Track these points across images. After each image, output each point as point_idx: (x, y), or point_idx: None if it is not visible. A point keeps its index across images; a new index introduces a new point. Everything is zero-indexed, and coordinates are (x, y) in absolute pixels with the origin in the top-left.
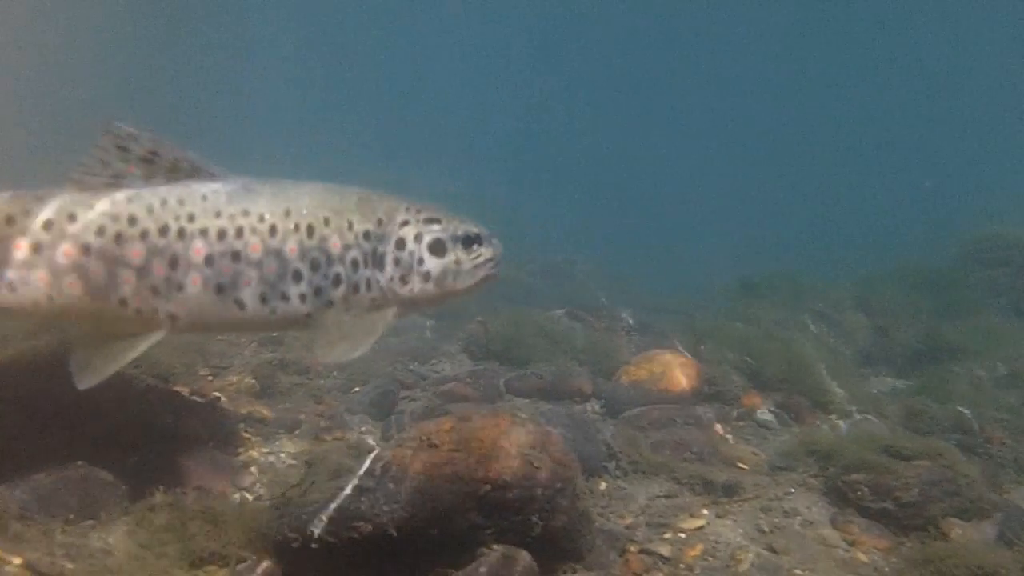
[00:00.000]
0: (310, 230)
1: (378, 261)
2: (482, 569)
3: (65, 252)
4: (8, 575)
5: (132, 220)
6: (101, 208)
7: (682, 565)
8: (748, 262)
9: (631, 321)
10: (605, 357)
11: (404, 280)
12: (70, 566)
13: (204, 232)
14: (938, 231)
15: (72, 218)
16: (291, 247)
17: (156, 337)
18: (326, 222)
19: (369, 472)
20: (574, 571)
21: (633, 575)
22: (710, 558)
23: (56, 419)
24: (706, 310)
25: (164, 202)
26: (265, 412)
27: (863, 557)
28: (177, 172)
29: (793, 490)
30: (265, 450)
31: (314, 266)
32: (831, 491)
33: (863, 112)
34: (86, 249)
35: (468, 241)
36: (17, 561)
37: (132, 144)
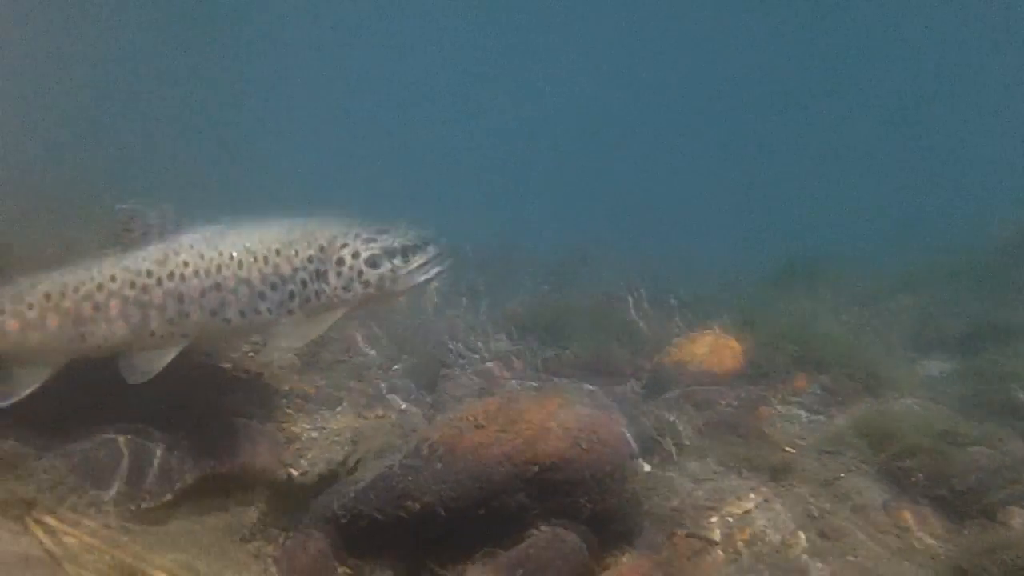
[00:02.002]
0: (266, 260)
1: (323, 277)
2: (530, 550)
3: (112, 307)
4: (66, 545)
5: (149, 274)
6: (131, 267)
7: (731, 549)
8: (788, 246)
9: (673, 302)
10: (647, 337)
11: (347, 288)
12: (124, 539)
13: (196, 273)
14: (982, 215)
15: (113, 279)
16: (255, 276)
17: (177, 350)
18: (277, 253)
19: (416, 451)
20: (623, 554)
21: (682, 559)
22: (759, 543)
23: (108, 394)
24: (748, 293)
25: (168, 258)
26: (307, 388)
27: (918, 544)
28: (169, 229)
29: (843, 474)
30: (307, 426)
31: (273, 287)
32: (883, 476)
33: (897, 94)
34: (126, 301)
35: (404, 252)
36: (74, 532)
37: (133, 224)
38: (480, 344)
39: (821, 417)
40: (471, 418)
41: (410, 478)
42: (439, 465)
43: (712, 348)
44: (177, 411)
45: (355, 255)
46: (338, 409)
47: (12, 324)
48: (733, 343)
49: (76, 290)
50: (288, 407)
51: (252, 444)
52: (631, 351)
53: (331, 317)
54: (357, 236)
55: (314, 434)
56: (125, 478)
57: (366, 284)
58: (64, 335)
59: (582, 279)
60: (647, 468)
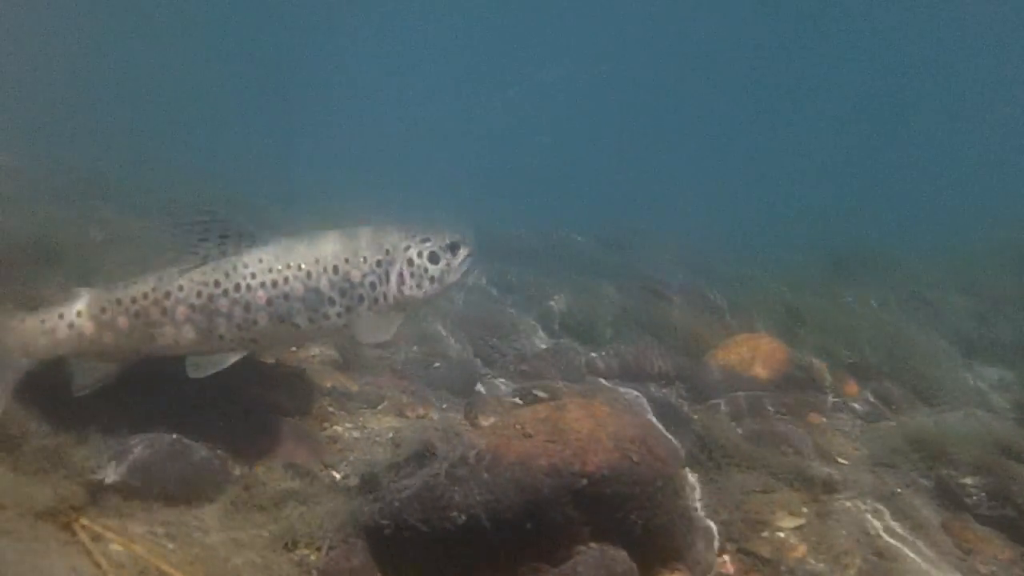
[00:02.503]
0: (334, 269)
1: (390, 278)
2: (579, 568)
3: (181, 312)
4: (112, 554)
5: (216, 284)
6: (198, 279)
7: (783, 568)
8: (832, 240)
9: (715, 300)
10: (689, 337)
11: (419, 285)
12: (171, 546)
13: (263, 284)
14: None
15: (180, 288)
16: (324, 284)
17: (244, 353)
18: (346, 261)
19: (463, 459)
20: (672, 572)
21: None
22: (812, 561)
23: (152, 387)
24: (793, 290)
25: (235, 267)
26: (349, 385)
27: (982, 568)
28: (235, 240)
29: (899, 489)
30: (349, 425)
31: (342, 293)
32: (942, 492)
33: (941, 83)
34: (193, 308)
35: (453, 247)
36: (120, 540)
37: (199, 227)
38: (520, 342)
39: (874, 426)
40: (519, 426)
41: (456, 488)
42: (486, 475)
43: (757, 350)
44: (220, 404)
45: (420, 254)
46: (379, 407)
47: (88, 326)
48: (779, 346)
49: (146, 296)
50: (330, 405)
51: (293, 443)
52: (674, 351)
53: (399, 317)
54: (415, 239)
55: (356, 434)
56: (171, 480)
57: (431, 280)
58: (135, 336)
59: (621, 271)
60: (693, 478)
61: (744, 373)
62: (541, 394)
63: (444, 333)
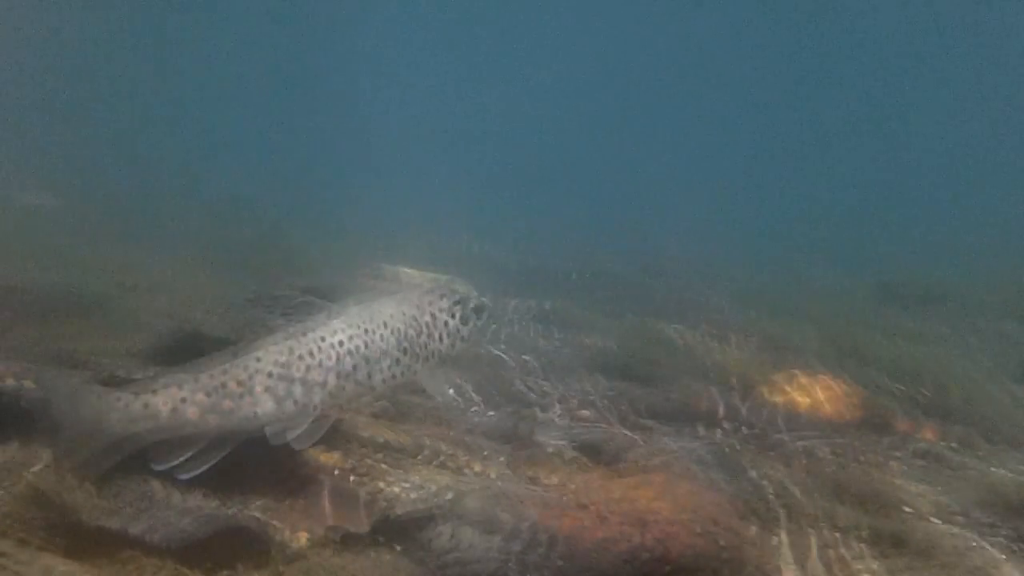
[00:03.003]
0: (397, 331)
1: (434, 338)
2: None
3: (280, 388)
4: None
5: (311, 355)
6: (295, 351)
7: None
8: (877, 258)
9: (764, 331)
10: (739, 375)
11: (452, 346)
12: None
13: (349, 352)
14: None
15: (279, 364)
16: (393, 345)
17: (334, 418)
18: (405, 324)
19: (534, 543)
20: None
21: None
22: None
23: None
24: (845, 317)
25: (323, 338)
26: (388, 434)
27: None
28: (316, 313)
29: (1005, 557)
30: (391, 479)
31: (404, 352)
32: None
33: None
34: (292, 381)
35: (478, 311)
36: None
37: (298, 311)
38: (568, 382)
39: (948, 473)
40: (592, 505)
41: (511, 565)
42: (560, 563)
43: (812, 388)
44: (255, 464)
45: (453, 316)
46: (419, 457)
47: (192, 412)
48: (839, 383)
49: (250, 377)
50: (370, 457)
51: (335, 502)
52: (724, 390)
53: (443, 370)
54: (450, 303)
55: (396, 488)
56: (216, 552)
57: (462, 339)
58: (239, 415)
59: (660, 299)
60: (752, 531)
61: (799, 412)
62: (587, 440)
63: (486, 378)
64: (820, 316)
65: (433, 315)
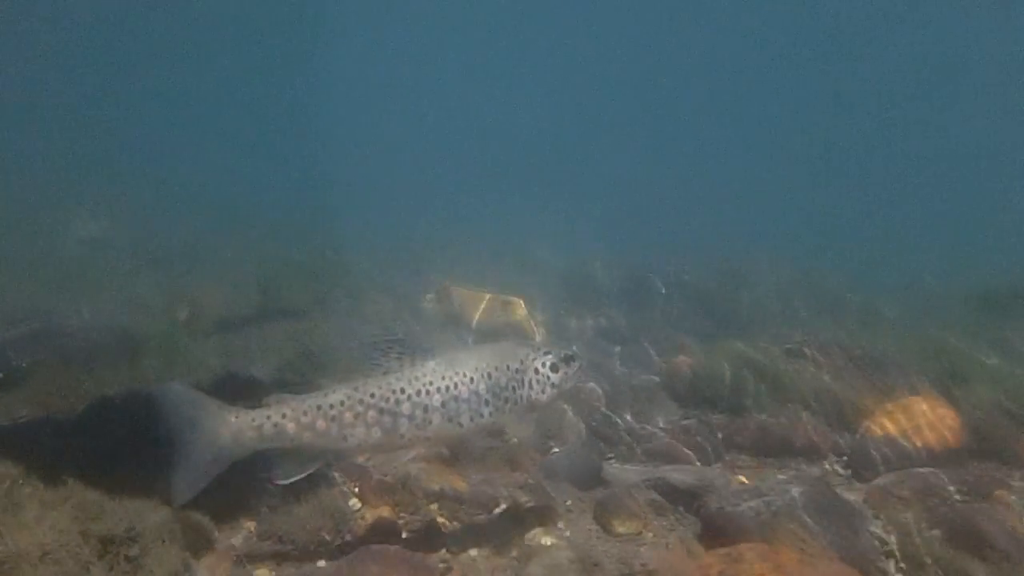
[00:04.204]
0: (488, 376)
1: (524, 384)
2: None
3: (370, 416)
4: None
5: (402, 391)
6: (387, 386)
7: None
8: (973, 263)
9: (855, 349)
10: (840, 403)
11: (542, 391)
12: None
13: (438, 390)
14: None
15: (372, 395)
16: (482, 388)
17: (418, 451)
18: (496, 368)
19: None
20: None
21: None
22: None
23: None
24: (945, 331)
25: (416, 377)
26: (459, 484)
27: None
28: (411, 354)
29: None
30: (459, 542)
31: (494, 395)
32: None
33: None
34: (382, 411)
35: (568, 359)
36: None
37: (383, 347)
38: (644, 413)
39: None
40: None
41: None
42: None
43: (923, 415)
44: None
45: (543, 365)
46: (496, 511)
47: (291, 427)
48: (947, 409)
49: (342, 403)
50: (440, 515)
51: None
52: (822, 419)
53: (531, 415)
54: (540, 352)
55: (472, 554)
56: None
57: (552, 386)
58: (331, 436)
59: (742, 313)
60: None
61: (909, 443)
62: (679, 484)
63: (561, 409)
64: (918, 326)
65: (523, 363)
